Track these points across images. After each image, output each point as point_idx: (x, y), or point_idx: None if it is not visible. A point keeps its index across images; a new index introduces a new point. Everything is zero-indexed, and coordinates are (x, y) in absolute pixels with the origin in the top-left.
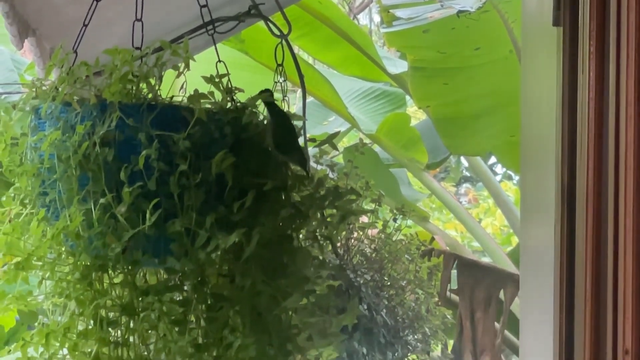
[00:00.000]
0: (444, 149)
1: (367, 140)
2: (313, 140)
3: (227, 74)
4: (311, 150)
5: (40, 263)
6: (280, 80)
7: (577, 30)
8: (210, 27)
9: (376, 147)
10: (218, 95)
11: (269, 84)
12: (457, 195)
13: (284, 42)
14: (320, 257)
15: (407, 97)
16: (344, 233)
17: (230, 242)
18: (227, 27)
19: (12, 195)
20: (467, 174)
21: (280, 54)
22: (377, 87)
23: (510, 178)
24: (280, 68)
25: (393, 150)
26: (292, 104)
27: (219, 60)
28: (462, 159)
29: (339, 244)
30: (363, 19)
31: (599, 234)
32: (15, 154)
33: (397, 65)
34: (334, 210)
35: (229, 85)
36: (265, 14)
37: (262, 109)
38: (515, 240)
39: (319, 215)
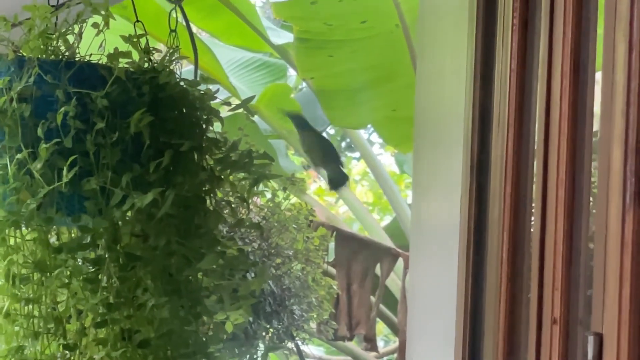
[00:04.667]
0: (322, 120)
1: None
2: (228, 104)
3: (145, 34)
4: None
5: None
6: (174, 48)
7: (495, 1)
8: None
9: (255, 117)
10: (136, 56)
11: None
12: None
13: (177, 8)
14: (232, 220)
15: (289, 69)
16: (256, 197)
17: (146, 202)
18: None
19: None
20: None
21: (173, 20)
22: (258, 57)
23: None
24: (174, 34)
25: (272, 121)
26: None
27: (137, 20)
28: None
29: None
30: None
31: (517, 204)
32: None
33: (281, 36)
34: (246, 173)
35: (147, 46)
36: None
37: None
38: (375, 217)
39: (231, 178)
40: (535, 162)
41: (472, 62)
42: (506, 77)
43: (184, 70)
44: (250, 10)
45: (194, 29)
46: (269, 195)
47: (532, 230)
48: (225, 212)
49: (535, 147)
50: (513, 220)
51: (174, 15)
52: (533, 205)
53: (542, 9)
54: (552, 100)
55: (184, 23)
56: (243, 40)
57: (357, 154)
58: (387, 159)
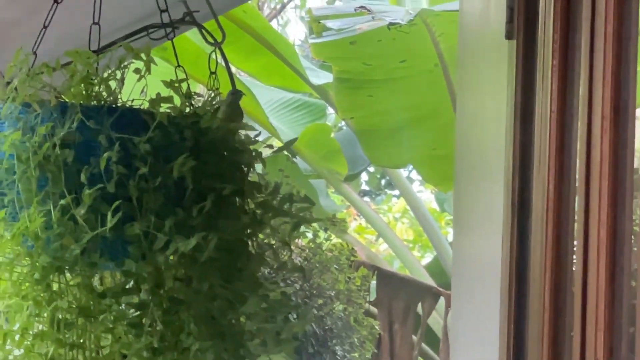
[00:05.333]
0: (362, 160)
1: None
2: (271, 146)
3: (186, 79)
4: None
5: None
6: (214, 89)
7: (534, 44)
8: (145, 32)
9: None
10: (177, 100)
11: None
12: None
13: (217, 50)
14: (275, 264)
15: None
16: (297, 240)
17: (190, 246)
18: (160, 34)
19: None
20: (366, 187)
21: (213, 63)
22: (297, 97)
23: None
24: (214, 76)
25: (313, 161)
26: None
27: (178, 65)
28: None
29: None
30: (275, 25)
31: (559, 245)
32: None
33: (320, 76)
34: (288, 217)
35: (188, 90)
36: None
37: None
38: (416, 254)
39: (272, 221)
40: (576, 202)
41: (512, 103)
42: (546, 118)
43: None
44: (290, 50)
45: (234, 69)
46: (310, 235)
47: (574, 269)
48: (267, 254)
49: (577, 187)
50: (555, 260)
51: (214, 57)
52: (575, 244)
53: (582, 50)
54: (592, 141)
55: (224, 65)
56: (282, 80)
57: (396, 192)
58: (427, 196)
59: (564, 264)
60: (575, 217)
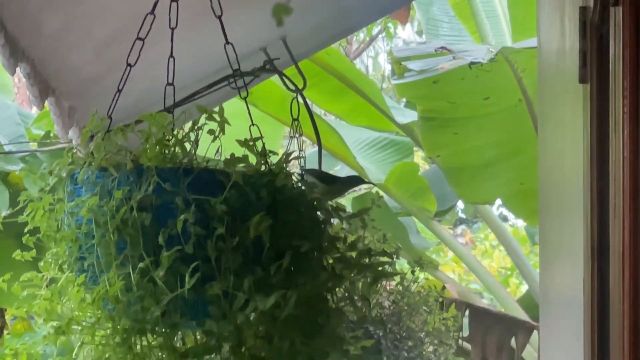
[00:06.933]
0: (451, 196)
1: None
2: (343, 210)
3: (261, 137)
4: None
5: (79, 327)
6: (297, 135)
7: (607, 88)
8: (228, 81)
9: (384, 196)
10: (252, 158)
11: (277, 134)
12: (454, 236)
13: (298, 96)
14: (355, 318)
15: (414, 146)
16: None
17: (269, 304)
18: (241, 83)
19: (50, 260)
20: (463, 215)
21: (295, 109)
22: (384, 136)
23: (505, 219)
24: (296, 122)
25: (401, 199)
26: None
27: (252, 124)
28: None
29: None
30: (359, 64)
31: (637, 290)
32: (52, 220)
33: (405, 115)
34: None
35: (263, 149)
36: (280, 69)
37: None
38: (513, 282)
39: (352, 276)
40: None
41: (587, 145)
42: (619, 163)
43: (309, 152)
44: (374, 90)
45: (320, 111)
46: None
47: None
48: (347, 309)
49: None
50: (633, 305)
51: (296, 103)
52: None
53: None
54: None
55: (307, 110)
56: (368, 120)
57: (485, 227)
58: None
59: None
60: None
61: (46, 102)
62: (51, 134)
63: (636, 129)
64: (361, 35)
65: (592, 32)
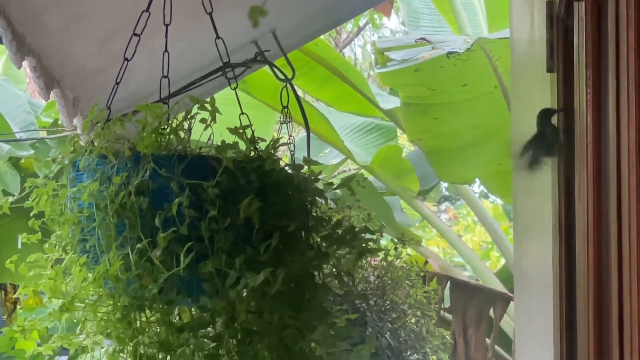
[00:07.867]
0: (433, 176)
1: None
2: (330, 184)
3: (250, 125)
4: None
5: (82, 305)
6: (287, 122)
7: (572, 77)
8: (220, 73)
9: (370, 177)
10: (242, 145)
11: (270, 120)
12: (438, 213)
13: (288, 85)
14: (340, 292)
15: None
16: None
17: (258, 281)
18: (235, 73)
19: (54, 242)
20: (447, 193)
21: (285, 97)
22: (370, 121)
23: (486, 196)
24: (286, 110)
25: (386, 179)
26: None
27: (242, 112)
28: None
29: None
30: (349, 52)
31: (600, 256)
32: (56, 205)
33: (389, 101)
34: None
35: (252, 136)
36: (270, 60)
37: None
38: (494, 255)
39: (337, 253)
40: (610, 223)
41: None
42: (584, 147)
43: (299, 137)
44: (360, 79)
45: (310, 98)
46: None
47: (611, 282)
48: (333, 284)
49: (611, 212)
50: (596, 277)
51: (286, 92)
52: (611, 260)
53: (610, 86)
54: (622, 175)
55: (296, 98)
56: (355, 106)
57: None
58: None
59: (603, 273)
60: (611, 239)
61: (52, 93)
62: (59, 122)
63: (598, 115)
64: (349, 26)
65: (559, 25)
